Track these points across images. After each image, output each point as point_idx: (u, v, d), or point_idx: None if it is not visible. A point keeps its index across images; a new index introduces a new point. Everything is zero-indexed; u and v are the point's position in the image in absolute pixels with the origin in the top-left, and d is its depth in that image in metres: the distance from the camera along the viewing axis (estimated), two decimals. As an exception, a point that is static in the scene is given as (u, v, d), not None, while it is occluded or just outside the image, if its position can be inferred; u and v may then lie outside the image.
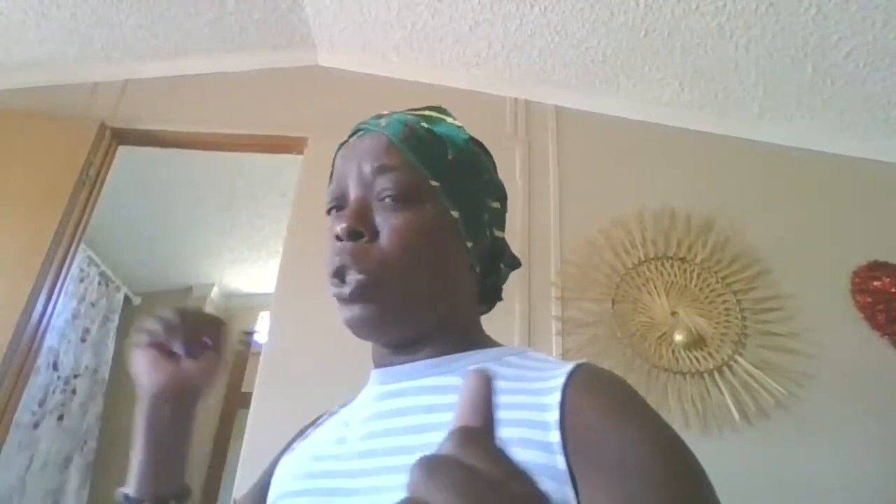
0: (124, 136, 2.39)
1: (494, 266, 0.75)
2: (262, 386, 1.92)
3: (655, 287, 2.02)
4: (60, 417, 3.14)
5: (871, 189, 2.21)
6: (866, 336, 1.96)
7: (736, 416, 1.82)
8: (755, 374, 1.87)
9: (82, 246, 2.48)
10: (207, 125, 2.39)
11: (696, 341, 1.92)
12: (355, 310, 0.64)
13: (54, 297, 2.14)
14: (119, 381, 3.52)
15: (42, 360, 2.95)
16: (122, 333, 3.63)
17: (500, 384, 0.58)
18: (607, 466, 0.49)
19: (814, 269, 2.05)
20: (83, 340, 3.39)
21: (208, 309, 4.06)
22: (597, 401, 0.54)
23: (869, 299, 1.98)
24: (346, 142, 0.73)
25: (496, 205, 0.74)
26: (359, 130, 0.72)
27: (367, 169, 0.67)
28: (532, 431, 0.52)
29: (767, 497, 1.71)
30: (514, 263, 0.79)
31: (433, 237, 0.65)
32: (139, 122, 2.39)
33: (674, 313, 1.97)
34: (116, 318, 3.66)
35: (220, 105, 2.44)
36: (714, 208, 2.13)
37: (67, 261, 2.18)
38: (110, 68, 2.49)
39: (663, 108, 2.36)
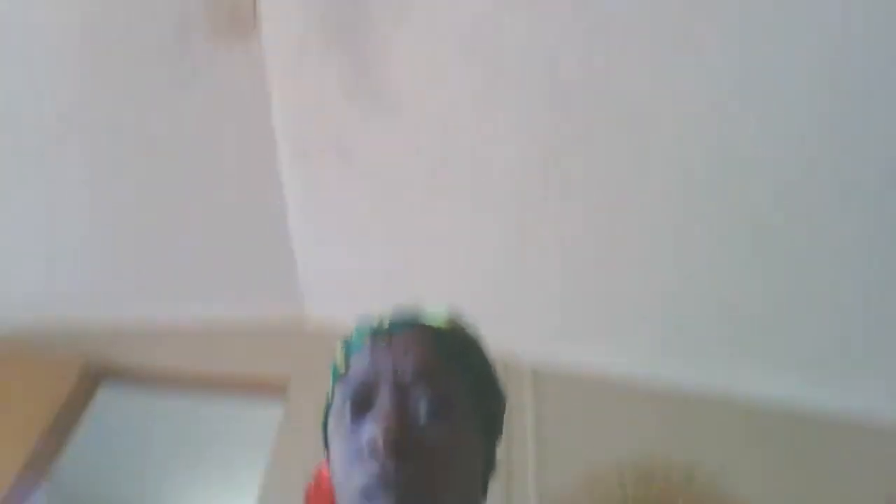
0: (107, 375, 2.44)
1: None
2: None
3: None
4: None
5: (852, 442, 2.19)
6: None
7: None
8: None
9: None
10: (190, 365, 2.45)
11: None
12: None
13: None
14: None
15: None
16: None
17: None
18: None
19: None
20: None
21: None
22: None
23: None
24: (376, 331, 0.67)
25: (504, 417, 0.72)
26: (391, 327, 0.68)
27: (405, 370, 0.62)
28: None
29: None
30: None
31: (474, 458, 0.63)
32: (122, 359, 2.45)
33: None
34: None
35: (204, 351, 2.53)
36: (694, 461, 2.11)
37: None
38: (99, 309, 2.57)
39: (641, 362, 2.43)
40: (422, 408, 0.60)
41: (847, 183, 1.70)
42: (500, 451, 2.10)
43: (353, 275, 2.49)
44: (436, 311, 0.72)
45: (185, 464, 3.38)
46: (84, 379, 2.35)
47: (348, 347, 0.68)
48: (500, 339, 2.47)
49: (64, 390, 2.27)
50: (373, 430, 0.58)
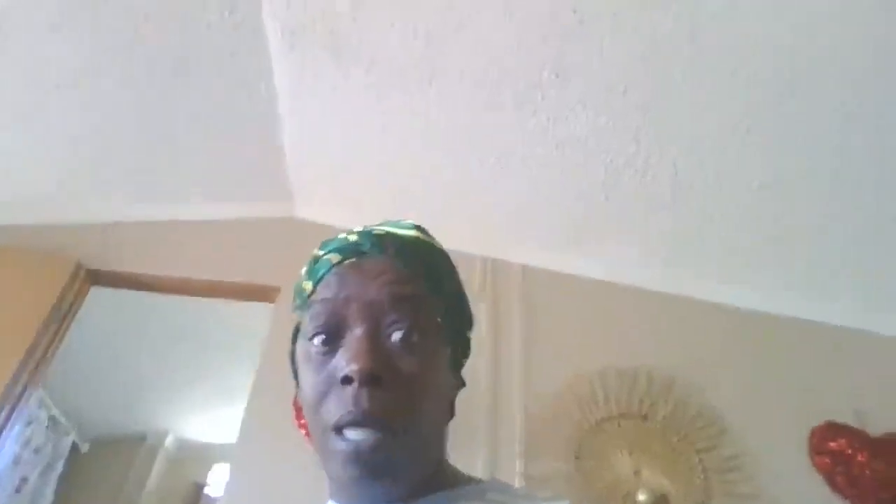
0: (99, 277, 2.42)
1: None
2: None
3: (618, 445, 2.03)
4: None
5: (825, 352, 2.30)
6: (827, 497, 1.96)
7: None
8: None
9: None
10: (182, 270, 2.44)
11: (660, 501, 1.90)
12: (367, 465, 0.55)
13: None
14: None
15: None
16: (65, 483, 3.41)
17: None
18: None
19: (773, 429, 2.08)
20: (18, 491, 3.17)
21: (160, 459, 3.88)
22: None
23: (827, 460, 2.00)
24: (341, 261, 0.65)
25: (471, 336, 0.71)
26: (358, 248, 0.65)
27: (378, 297, 0.60)
28: None
29: None
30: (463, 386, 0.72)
31: (443, 379, 0.62)
32: (115, 263, 2.43)
33: (637, 472, 1.97)
34: (60, 465, 3.46)
35: (196, 251, 2.51)
36: (675, 367, 2.18)
37: (21, 403, 2.12)
38: (91, 210, 2.55)
39: (627, 269, 2.48)
40: (395, 336, 0.59)
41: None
42: (488, 350, 2.19)
43: (345, 171, 2.46)
44: (405, 228, 0.69)
45: (177, 365, 3.43)
46: (76, 279, 2.33)
47: (314, 270, 0.66)
48: (492, 238, 2.53)
49: (56, 289, 2.25)
50: (346, 361, 0.57)
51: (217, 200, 2.62)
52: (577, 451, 2.01)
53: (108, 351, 3.27)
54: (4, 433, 2.08)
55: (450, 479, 0.64)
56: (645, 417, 2.08)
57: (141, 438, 4.02)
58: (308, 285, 0.66)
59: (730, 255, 2.34)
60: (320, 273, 0.64)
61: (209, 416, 3.94)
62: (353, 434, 0.55)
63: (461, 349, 0.68)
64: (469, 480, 0.66)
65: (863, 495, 1.93)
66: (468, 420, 0.80)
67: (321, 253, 0.67)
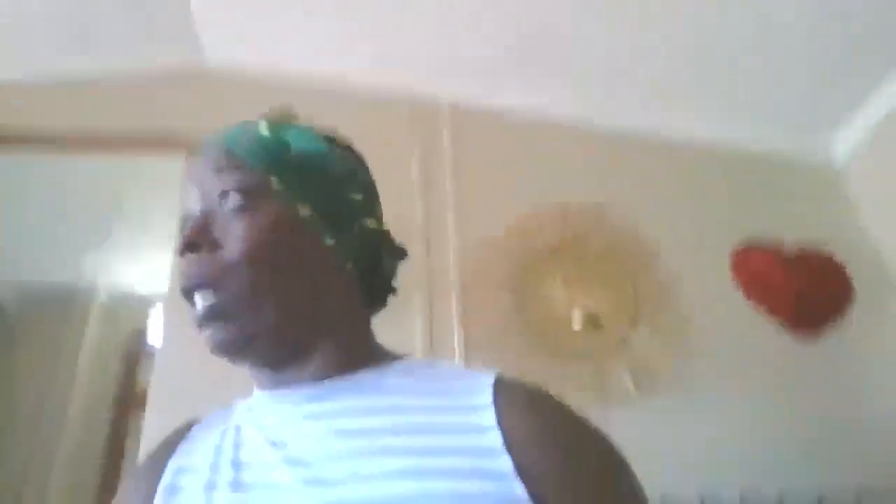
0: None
1: (375, 260, 0.70)
2: (157, 387, 1.87)
3: (554, 278, 2.08)
4: None
5: (748, 179, 2.36)
6: (746, 312, 2.10)
7: (632, 390, 1.91)
8: (649, 352, 1.98)
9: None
10: (83, 126, 2.22)
11: (594, 325, 2.01)
12: (213, 333, 0.59)
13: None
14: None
15: None
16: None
17: (418, 402, 0.57)
18: (563, 488, 0.50)
19: (698, 253, 2.18)
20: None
21: (95, 311, 3.80)
22: (534, 420, 0.53)
23: (746, 277, 2.13)
24: (192, 156, 0.69)
25: (358, 196, 0.69)
26: (206, 145, 0.68)
27: (207, 180, 0.64)
28: (480, 460, 0.50)
29: (661, 464, 1.81)
30: (399, 253, 0.73)
31: (281, 238, 0.61)
32: (9, 118, 2.18)
33: (572, 301, 2.05)
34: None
35: (98, 107, 2.28)
36: (606, 200, 2.21)
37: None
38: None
39: (556, 104, 2.40)
40: (226, 206, 0.61)
41: None
42: (418, 190, 2.12)
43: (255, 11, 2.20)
44: (258, 122, 0.69)
45: (96, 226, 3.26)
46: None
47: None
48: (419, 76, 2.38)
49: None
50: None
51: (119, 49, 2.34)
52: (514, 287, 2.06)
53: (22, 221, 3.06)
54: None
55: (377, 356, 0.65)
56: (578, 249, 2.13)
57: (71, 291, 3.89)
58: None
59: (658, 88, 2.31)
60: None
61: (141, 268, 3.83)
62: (195, 302, 0.61)
63: (339, 210, 0.66)
64: (398, 358, 0.66)
65: (779, 308, 2.08)
66: (405, 273, 0.77)
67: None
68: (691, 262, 2.14)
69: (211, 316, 0.59)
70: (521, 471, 0.49)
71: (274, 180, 0.63)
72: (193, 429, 0.68)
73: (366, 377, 0.61)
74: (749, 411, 1.93)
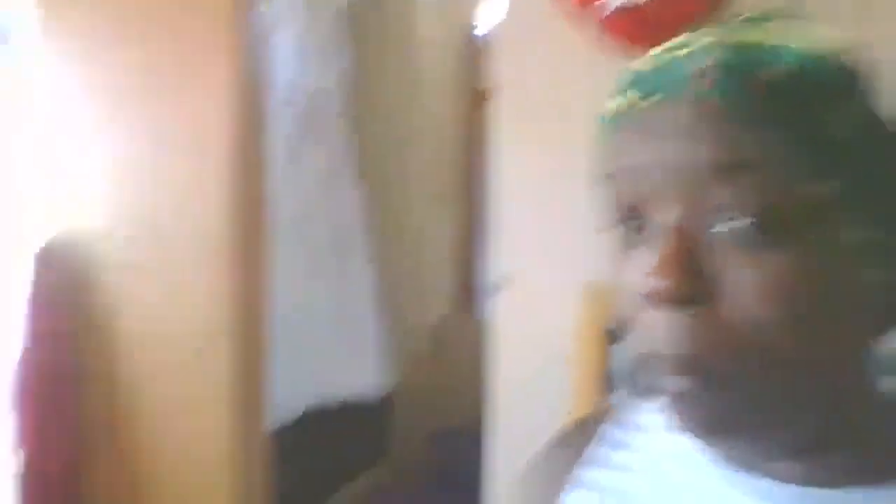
0: None
1: None
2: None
3: None
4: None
5: None
6: None
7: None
8: None
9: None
10: None
11: None
12: (699, 413, 0.37)
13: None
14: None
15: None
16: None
17: None
18: None
19: None
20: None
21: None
22: None
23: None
24: (634, 104, 0.38)
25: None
26: (655, 90, 0.37)
27: (690, 167, 0.35)
28: None
29: None
30: None
31: (831, 291, 0.35)
32: None
33: None
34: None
35: None
36: None
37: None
38: None
39: None
40: (734, 225, 0.33)
41: None
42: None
43: None
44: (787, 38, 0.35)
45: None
46: None
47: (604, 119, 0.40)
48: None
49: None
50: (648, 270, 0.35)
51: None
52: None
53: None
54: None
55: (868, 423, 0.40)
56: None
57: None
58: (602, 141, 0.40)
59: None
60: (606, 126, 0.40)
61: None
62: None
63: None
64: None
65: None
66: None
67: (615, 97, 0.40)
68: None
69: (707, 400, 0.36)
70: None
71: (825, 185, 0.34)
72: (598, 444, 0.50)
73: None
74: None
